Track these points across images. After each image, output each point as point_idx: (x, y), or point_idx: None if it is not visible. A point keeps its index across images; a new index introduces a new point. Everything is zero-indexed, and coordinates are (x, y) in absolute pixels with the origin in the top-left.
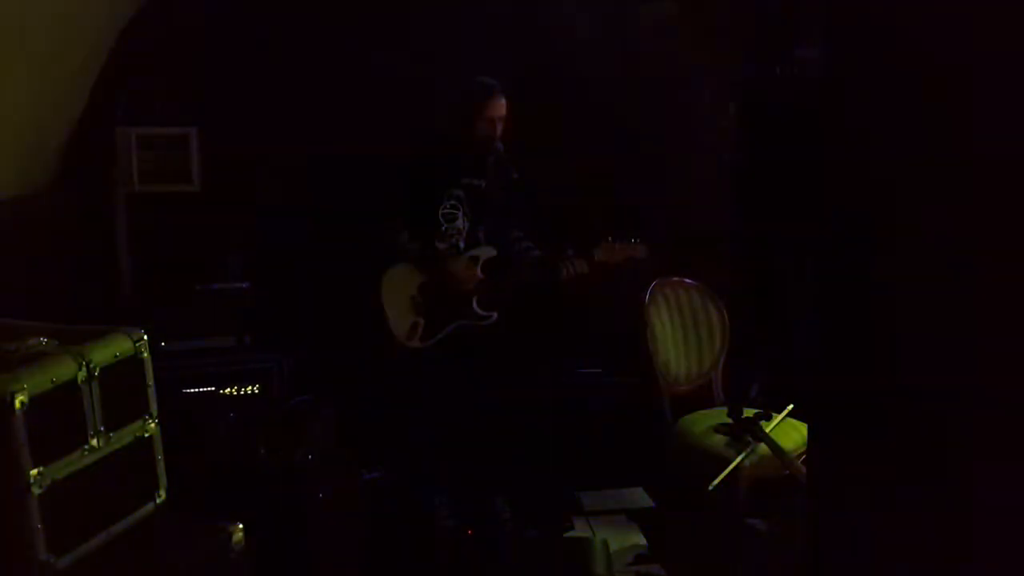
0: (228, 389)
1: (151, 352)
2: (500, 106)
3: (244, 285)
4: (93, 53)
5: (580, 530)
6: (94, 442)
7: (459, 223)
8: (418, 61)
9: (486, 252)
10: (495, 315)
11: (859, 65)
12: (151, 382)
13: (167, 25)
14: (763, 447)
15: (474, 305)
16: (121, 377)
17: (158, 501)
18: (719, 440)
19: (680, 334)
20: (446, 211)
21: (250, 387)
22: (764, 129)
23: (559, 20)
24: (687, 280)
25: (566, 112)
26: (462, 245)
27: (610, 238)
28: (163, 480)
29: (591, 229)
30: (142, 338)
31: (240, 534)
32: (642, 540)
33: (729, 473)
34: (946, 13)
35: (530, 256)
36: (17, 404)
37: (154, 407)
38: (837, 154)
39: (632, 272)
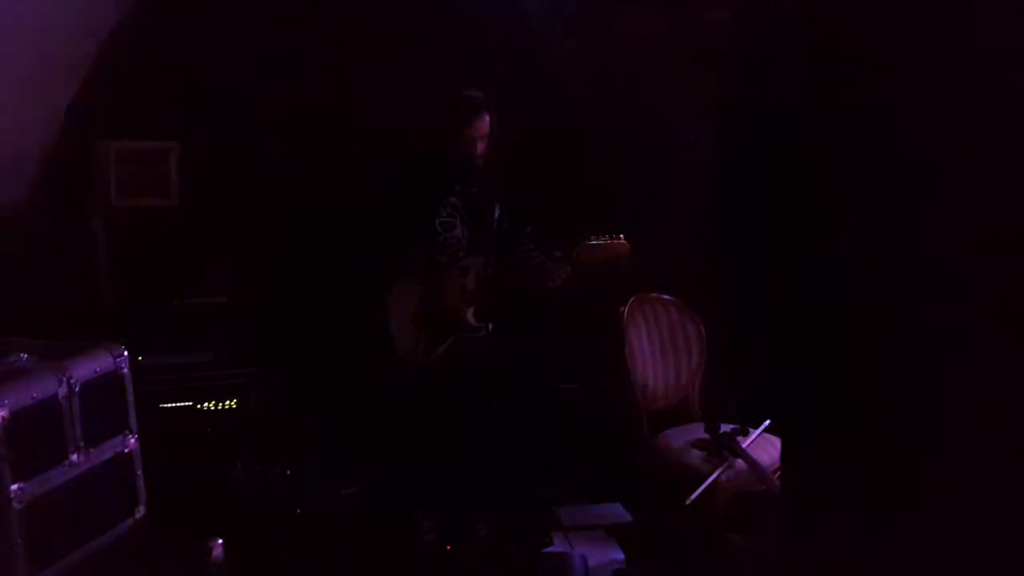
0: (206, 404)
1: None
2: (482, 125)
3: (222, 299)
4: (71, 67)
5: (559, 545)
6: (75, 457)
7: (458, 232)
8: (405, 69)
9: (476, 262)
10: (489, 327)
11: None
12: (131, 397)
13: (146, 38)
14: (740, 462)
15: (468, 317)
16: (102, 393)
17: (138, 516)
18: (696, 455)
19: (658, 350)
20: (443, 220)
21: (228, 402)
22: (744, 147)
23: (544, 38)
24: (665, 296)
25: (551, 123)
26: (462, 255)
27: (592, 238)
28: (143, 495)
29: (575, 232)
30: (123, 354)
31: (219, 549)
32: (620, 555)
33: (706, 488)
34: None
35: (533, 263)
36: None
37: (134, 422)
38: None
39: (615, 275)
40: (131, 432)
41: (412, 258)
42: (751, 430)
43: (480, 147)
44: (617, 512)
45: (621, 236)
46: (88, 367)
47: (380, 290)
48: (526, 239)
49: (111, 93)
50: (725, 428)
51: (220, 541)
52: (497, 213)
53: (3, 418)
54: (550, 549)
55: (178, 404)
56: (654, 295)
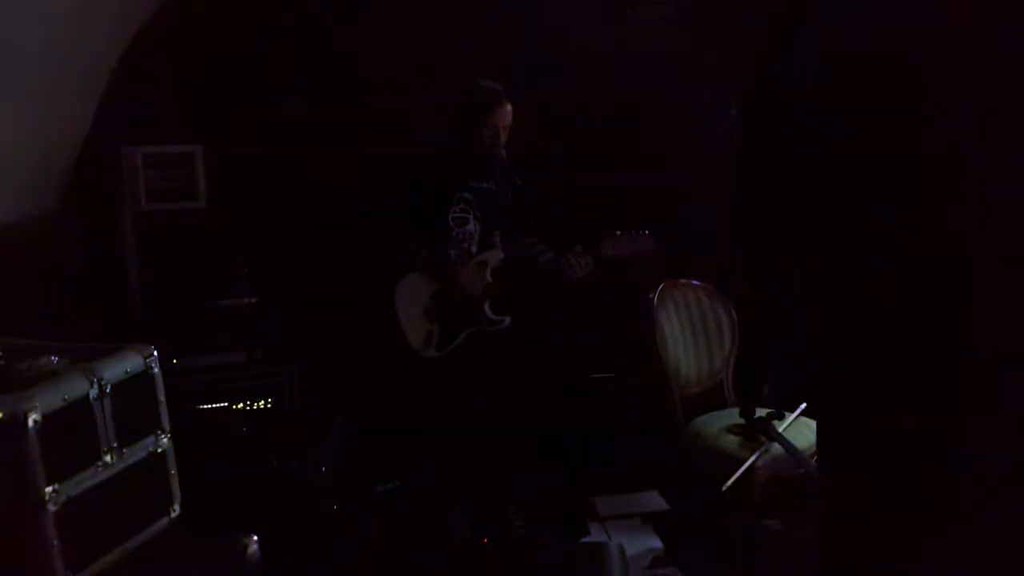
0: (240, 404)
1: (163, 369)
2: (505, 114)
3: (253, 300)
4: (97, 74)
5: (595, 535)
6: (108, 458)
7: (470, 227)
8: (422, 65)
9: (494, 256)
10: (507, 319)
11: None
12: (162, 397)
13: (170, 44)
14: (776, 447)
15: (486, 310)
16: (133, 393)
17: (172, 515)
18: (732, 441)
19: (690, 336)
20: (456, 215)
21: (262, 401)
22: (767, 128)
23: (561, 21)
24: (695, 281)
25: (569, 115)
26: (474, 250)
27: (618, 231)
28: (177, 495)
29: (597, 225)
30: (152, 354)
31: (254, 547)
32: (658, 543)
33: (743, 473)
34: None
35: (543, 259)
36: (30, 422)
37: (166, 422)
38: (834, 155)
39: (640, 269)
40: (163, 431)
41: (419, 253)
42: (787, 414)
43: (502, 137)
44: (654, 500)
45: (647, 231)
46: (118, 368)
47: (389, 284)
48: (529, 233)
49: (137, 99)
50: (760, 412)
51: (256, 539)
52: (508, 202)
53: (35, 420)
54: (587, 539)
55: (213, 405)
56: (683, 281)
